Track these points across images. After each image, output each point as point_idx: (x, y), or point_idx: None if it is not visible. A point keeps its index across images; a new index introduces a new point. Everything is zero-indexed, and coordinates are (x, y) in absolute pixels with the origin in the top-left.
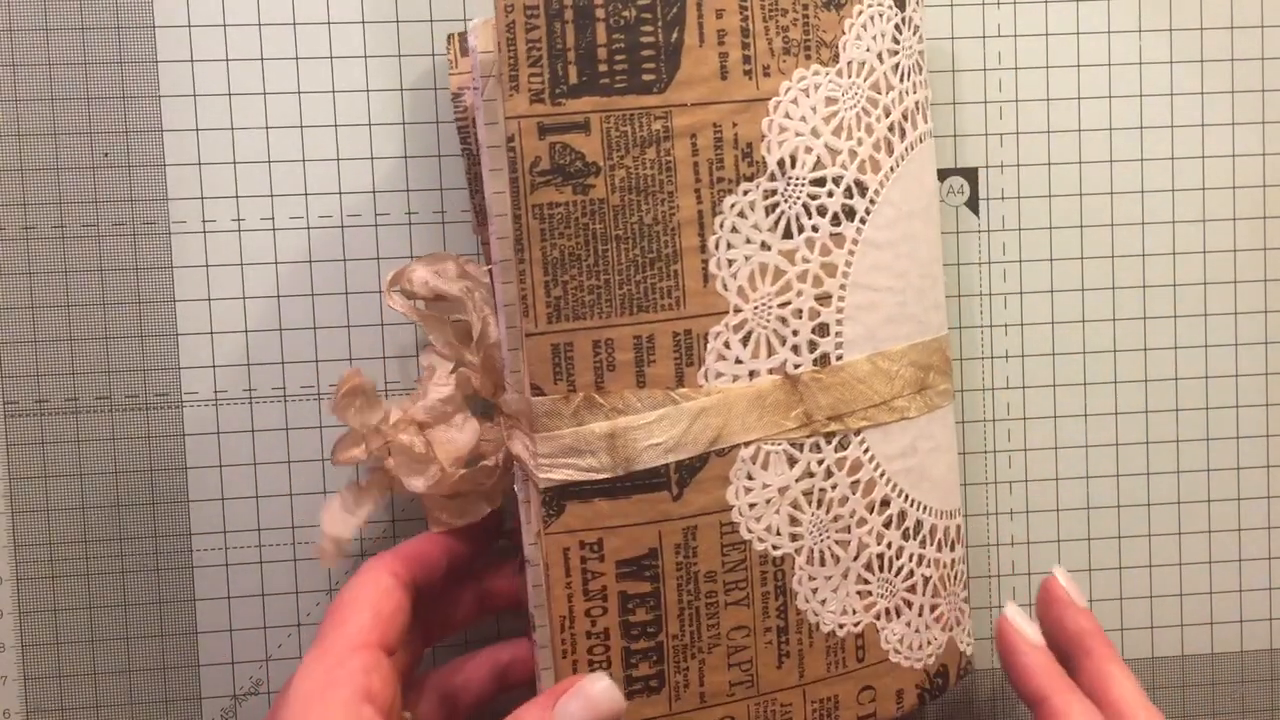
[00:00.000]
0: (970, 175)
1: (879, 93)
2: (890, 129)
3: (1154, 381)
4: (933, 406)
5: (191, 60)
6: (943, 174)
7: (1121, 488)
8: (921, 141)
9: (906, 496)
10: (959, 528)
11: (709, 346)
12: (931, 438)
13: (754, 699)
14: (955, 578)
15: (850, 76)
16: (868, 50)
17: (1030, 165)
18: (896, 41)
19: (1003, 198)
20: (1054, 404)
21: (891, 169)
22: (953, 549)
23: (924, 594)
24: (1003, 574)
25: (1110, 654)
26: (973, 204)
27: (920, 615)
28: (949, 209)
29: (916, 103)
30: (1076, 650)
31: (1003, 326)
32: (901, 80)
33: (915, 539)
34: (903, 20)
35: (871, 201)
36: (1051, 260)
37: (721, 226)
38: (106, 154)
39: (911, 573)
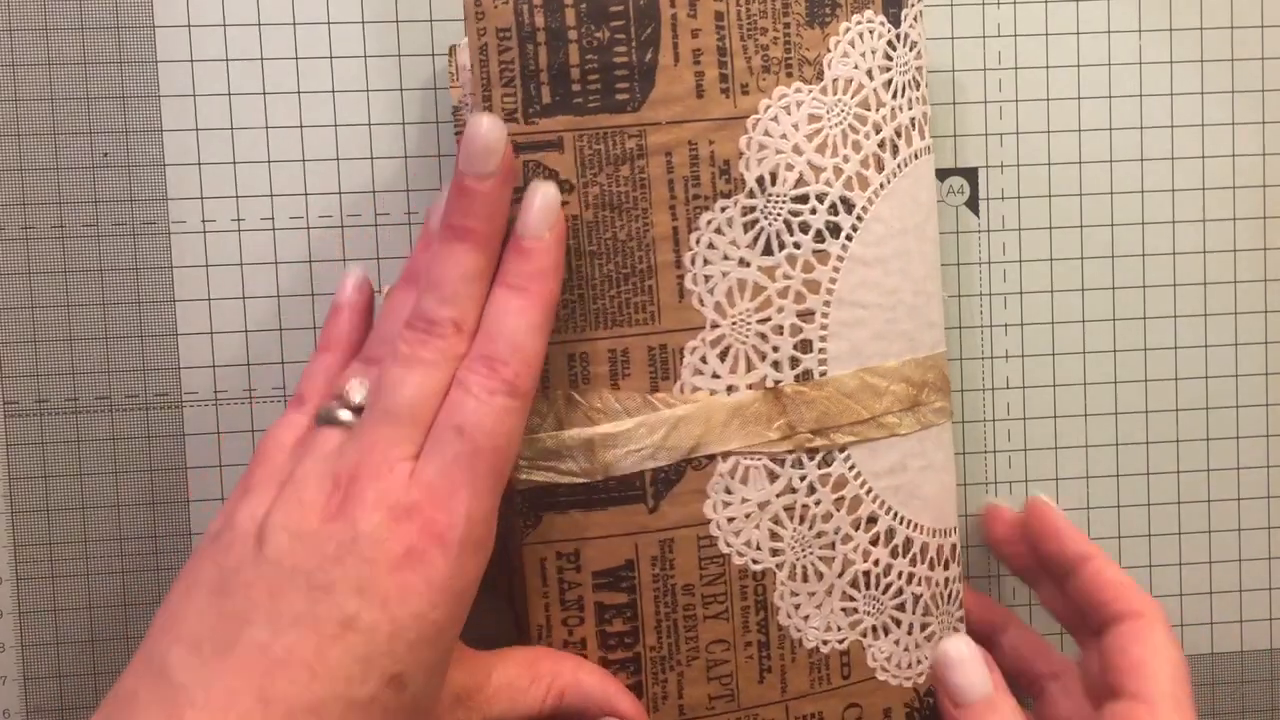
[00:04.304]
0: (970, 175)
1: (868, 109)
2: (880, 145)
3: (1154, 381)
4: (926, 424)
5: (191, 60)
6: (943, 174)
7: (1121, 488)
8: (917, 158)
9: (895, 514)
10: (954, 546)
11: (685, 360)
12: (923, 455)
13: (734, 713)
14: (950, 596)
15: (835, 94)
16: (855, 67)
17: (1030, 165)
18: (889, 58)
19: (1003, 198)
20: (1054, 404)
21: (881, 185)
22: (946, 567)
23: (914, 612)
24: (1003, 574)
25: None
26: (973, 204)
27: (910, 633)
28: (949, 209)
29: (912, 119)
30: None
31: (1003, 326)
32: (894, 97)
33: (904, 557)
34: (897, 36)
35: (858, 218)
36: (1051, 260)
37: (698, 243)
38: (106, 154)
39: (900, 590)
